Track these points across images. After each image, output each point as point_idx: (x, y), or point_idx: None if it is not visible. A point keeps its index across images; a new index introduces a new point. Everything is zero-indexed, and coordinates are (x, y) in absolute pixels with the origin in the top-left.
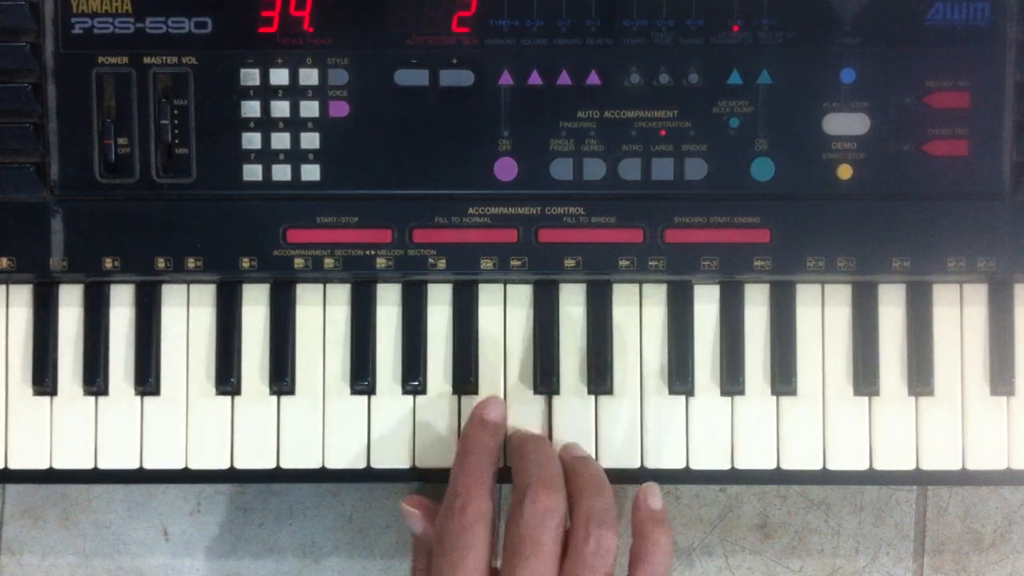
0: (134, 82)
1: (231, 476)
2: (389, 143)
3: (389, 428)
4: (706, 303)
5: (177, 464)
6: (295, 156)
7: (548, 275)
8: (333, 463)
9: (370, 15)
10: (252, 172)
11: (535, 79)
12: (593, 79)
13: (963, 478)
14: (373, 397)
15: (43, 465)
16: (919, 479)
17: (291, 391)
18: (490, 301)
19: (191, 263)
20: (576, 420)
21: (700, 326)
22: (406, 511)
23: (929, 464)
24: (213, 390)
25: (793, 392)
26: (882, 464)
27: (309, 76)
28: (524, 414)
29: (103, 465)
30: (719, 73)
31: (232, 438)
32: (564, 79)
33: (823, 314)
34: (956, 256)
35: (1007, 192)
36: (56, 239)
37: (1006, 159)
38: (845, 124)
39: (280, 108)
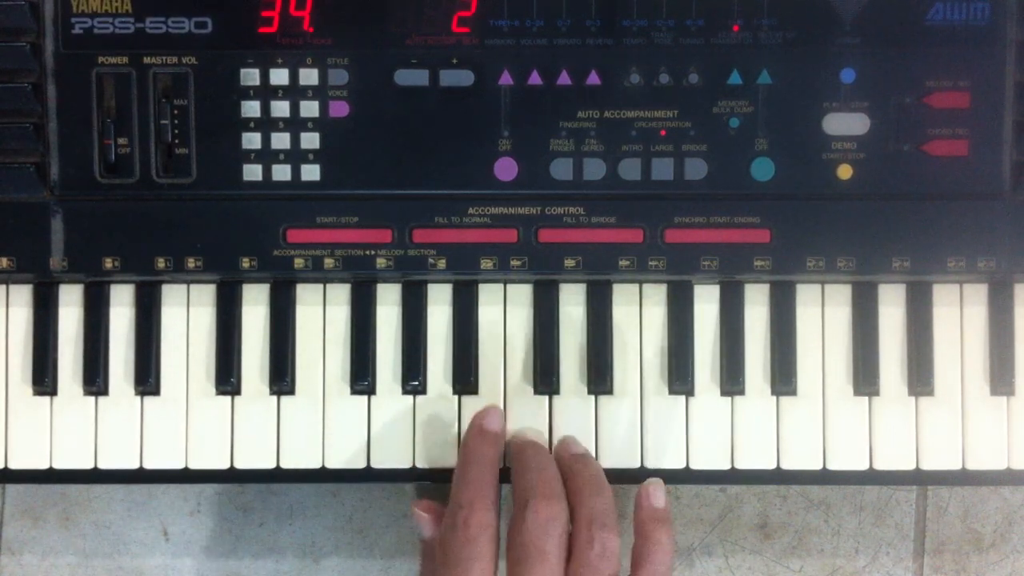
0: (134, 82)
1: (231, 476)
2: (389, 143)
3: (389, 428)
4: (706, 303)
5: (177, 464)
6: (295, 156)
7: (548, 275)
8: (333, 463)
9: (370, 15)
10: (252, 172)
11: (535, 79)
12: (593, 79)
13: (963, 478)
14: (373, 397)
15: (43, 465)
16: (919, 479)
17: (291, 391)
18: (490, 301)
19: (191, 263)
20: (576, 420)
21: (700, 326)
22: (418, 515)
23: (929, 464)
24: (213, 390)
25: (793, 392)
26: (882, 464)
27: (309, 76)
28: (524, 414)
29: (103, 465)
30: (719, 73)
31: (232, 438)
32: (564, 79)
33: (823, 314)
34: (956, 256)
35: (1007, 192)
36: (56, 239)
37: (1006, 159)
38: (845, 124)
39: (280, 108)
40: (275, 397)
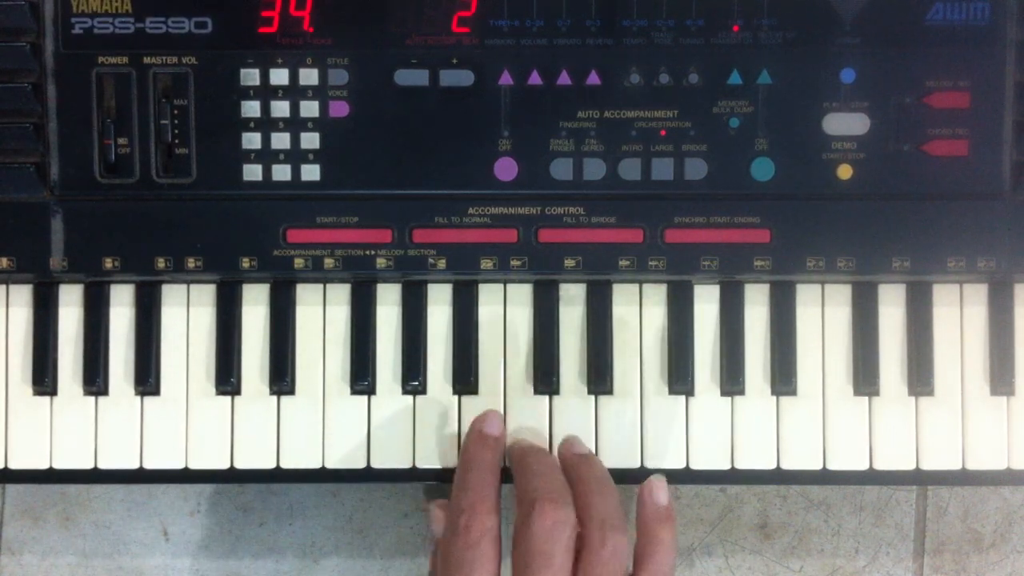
0: (134, 82)
1: (231, 476)
2: (389, 143)
3: (389, 428)
4: (706, 303)
5: (177, 464)
6: (295, 156)
7: (548, 275)
8: (333, 463)
9: (370, 15)
10: (252, 172)
11: (535, 79)
12: (593, 79)
13: (963, 478)
14: (373, 397)
15: (43, 465)
16: (919, 479)
17: (291, 391)
18: (490, 301)
19: (191, 263)
20: (576, 420)
21: (700, 326)
22: (434, 514)
23: (929, 464)
24: (213, 390)
25: (793, 392)
26: (882, 464)
27: (309, 76)
28: (524, 414)
29: (103, 465)
30: (719, 73)
31: (232, 438)
32: (564, 79)
33: (823, 314)
34: (956, 256)
35: (1007, 192)
36: (56, 239)
37: (1006, 159)
38: (845, 124)
39: (280, 108)
40: (275, 397)
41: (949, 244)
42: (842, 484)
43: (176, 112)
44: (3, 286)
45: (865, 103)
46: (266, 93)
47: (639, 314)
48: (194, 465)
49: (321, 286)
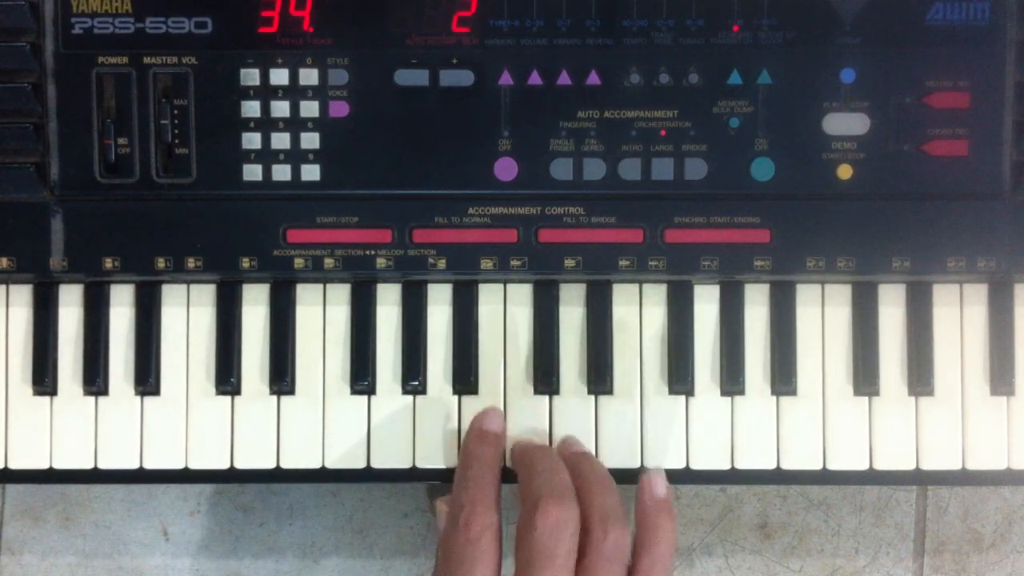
0: (134, 82)
1: (231, 476)
2: (389, 143)
3: (389, 428)
4: (706, 303)
5: (177, 464)
6: (295, 156)
7: (548, 275)
8: (333, 463)
9: (370, 15)
10: (252, 172)
11: (535, 79)
12: (593, 79)
13: (963, 478)
14: (373, 397)
15: (43, 465)
16: (919, 479)
17: (291, 391)
18: (490, 301)
19: (191, 263)
20: (576, 420)
21: (700, 326)
22: (440, 510)
23: (929, 464)
24: (213, 390)
25: (793, 392)
26: (882, 464)
27: (309, 76)
28: (524, 414)
29: (103, 465)
30: (719, 73)
31: (232, 438)
32: (564, 79)
33: (823, 314)
34: (956, 256)
35: (1007, 192)
36: (56, 239)
37: (1006, 159)
38: (845, 124)
39: (280, 108)
40: (275, 397)
41: (949, 244)
42: (842, 484)
43: (176, 112)
44: (3, 286)
45: (865, 103)
46: (266, 93)
47: (639, 314)
48: (194, 465)
49: (321, 286)
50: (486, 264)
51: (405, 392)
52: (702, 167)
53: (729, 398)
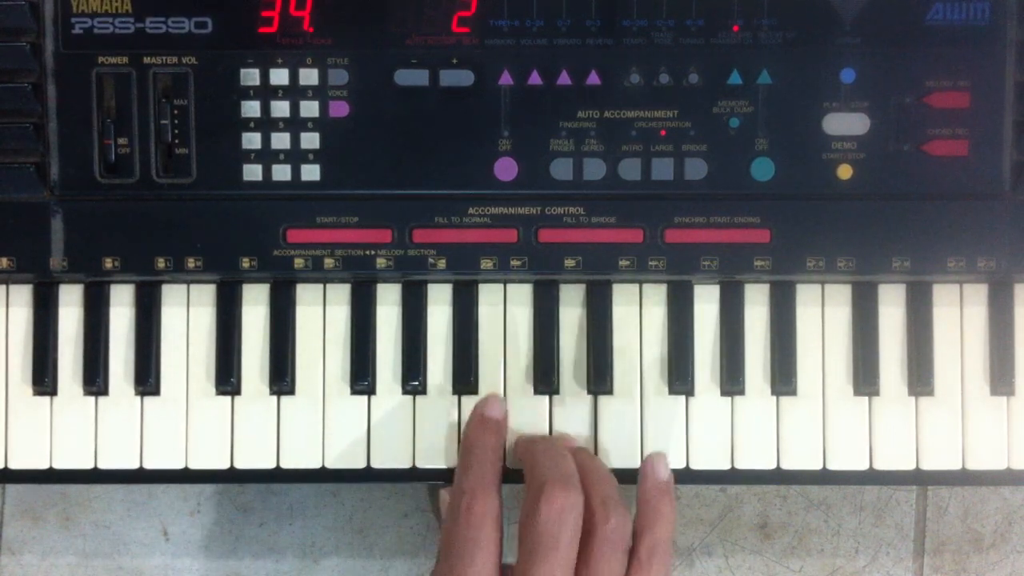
0: (134, 82)
1: (231, 476)
2: (389, 143)
3: (389, 428)
4: (706, 303)
5: (177, 464)
6: (295, 156)
7: (548, 275)
8: (333, 463)
9: (370, 15)
10: (252, 172)
11: (535, 79)
12: (593, 79)
13: (963, 478)
14: (373, 397)
15: (43, 465)
16: (919, 479)
17: (291, 391)
18: (490, 301)
19: (191, 263)
20: (576, 420)
21: (700, 326)
22: (443, 499)
23: (929, 464)
24: (213, 390)
25: (793, 392)
26: (882, 464)
27: (309, 76)
28: (524, 414)
29: (103, 465)
30: (719, 73)
31: (232, 438)
32: (564, 79)
33: (823, 314)
34: (956, 256)
35: (1007, 192)
36: (56, 239)
37: (1006, 159)
38: (845, 124)
39: (280, 108)
40: (275, 397)
41: (949, 244)
42: (842, 484)
43: (176, 112)
44: (3, 286)
45: (865, 103)
46: (266, 93)
47: (639, 314)
48: (194, 465)
49: (321, 286)
50: (486, 264)
51: (405, 392)
52: (702, 167)
53: (729, 398)
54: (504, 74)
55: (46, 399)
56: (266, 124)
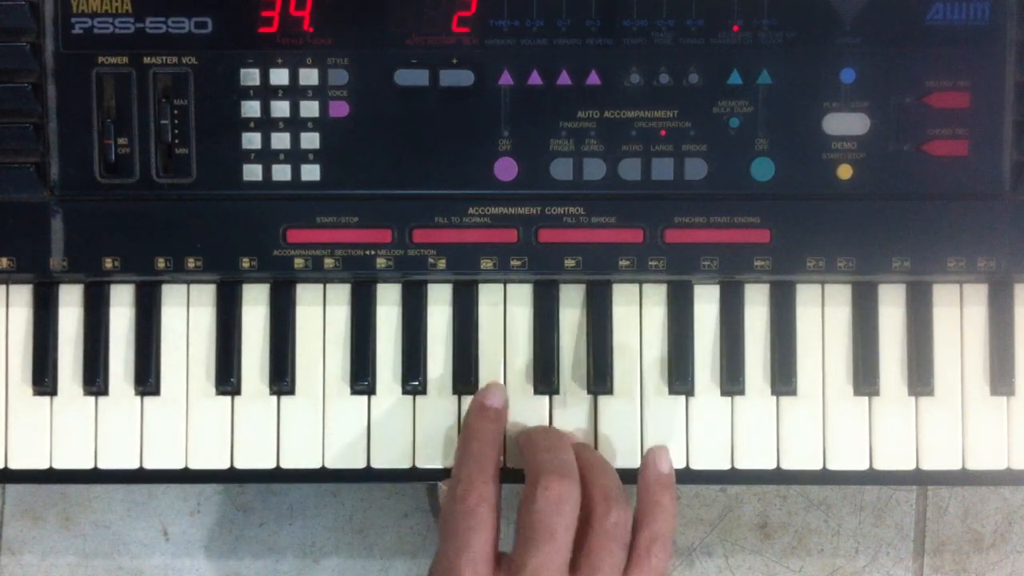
0: (134, 82)
1: (231, 476)
2: (389, 143)
3: (389, 428)
4: (706, 303)
5: (177, 464)
6: (295, 156)
7: (548, 275)
8: (333, 463)
9: (370, 15)
10: (252, 172)
11: (535, 79)
12: (593, 79)
13: (963, 478)
14: (373, 397)
15: (43, 465)
16: (919, 479)
17: (291, 391)
18: (490, 301)
19: (191, 263)
20: (576, 420)
21: (700, 326)
22: (442, 491)
23: (929, 464)
24: (213, 390)
25: (793, 392)
26: (882, 464)
27: (309, 76)
28: (524, 414)
29: (103, 465)
30: (719, 73)
31: (232, 438)
32: (564, 79)
33: (823, 314)
34: (956, 256)
35: (1007, 192)
36: (56, 239)
37: (1006, 159)
38: (845, 124)
39: (280, 108)
40: (275, 397)
41: (949, 244)
42: (842, 484)
43: (176, 112)
44: (3, 286)
45: (865, 103)
46: (266, 93)
47: (639, 314)
48: (194, 465)
49: (321, 286)
50: (486, 264)
51: (405, 392)
52: (702, 167)
53: (729, 398)
54: (504, 74)
55: (46, 399)
56: (266, 124)
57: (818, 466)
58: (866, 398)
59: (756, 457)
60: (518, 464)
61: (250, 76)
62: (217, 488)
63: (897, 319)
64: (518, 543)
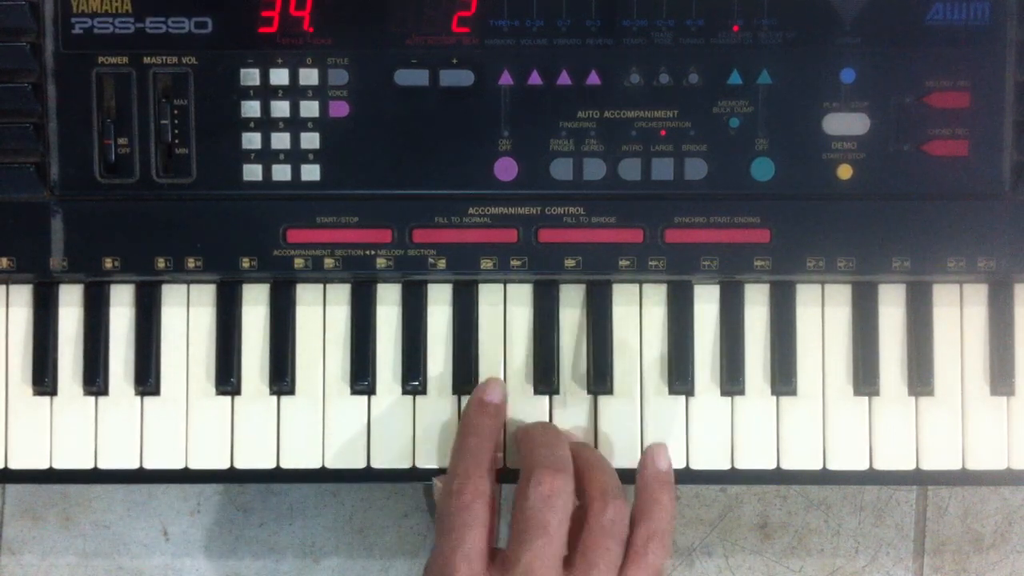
0: (134, 82)
1: (231, 476)
2: (389, 143)
3: (389, 428)
4: (706, 303)
5: (177, 464)
6: (295, 156)
7: (548, 275)
8: (333, 463)
9: (370, 15)
10: (252, 172)
11: (535, 79)
12: (593, 79)
13: (963, 478)
14: (373, 397)
15: (43, 465)
16: (919, 479)
17: (291, 391)
18: (490, 301)
19: (191, 263)
20: (576, 420)
21: (700, 326)
22: (436, 487)
23: (929, 464)
24: (213, 390)
25: (793, 392)
26: (882, 464)
27: (309, 76)
28: (524, 414)
29: (103, 465)
30: (719, 73)
31: (232, 438)
32: (564, 79)
33: (823, 314)
34: (956, 256)
35: (1007, 192)
36: (56, 239)
37: (1006, 159)
38: (845, 124)
39: (280, 108)
40: (275, 397)
41: (949, 244)
42: (842, 484)
43: (176, 112)
44: (3, 286)
45: (865, 103)
46: (266, 93)
47: (639, 314)
48: (194, 465)
49: (321, 286)
50: (486, 264)
51: (405, 392)
52: (702, 167)
53: (729, 398)
54: (504, 74)
55: (46, 399)
56: (266, 124)
57: (818, 466)
58: (866, 398)
59: (756, 457)
60: (518, 464)
61: (250, 76)
62: (217, 488)
63: (897, 319)
64: (511, 538)
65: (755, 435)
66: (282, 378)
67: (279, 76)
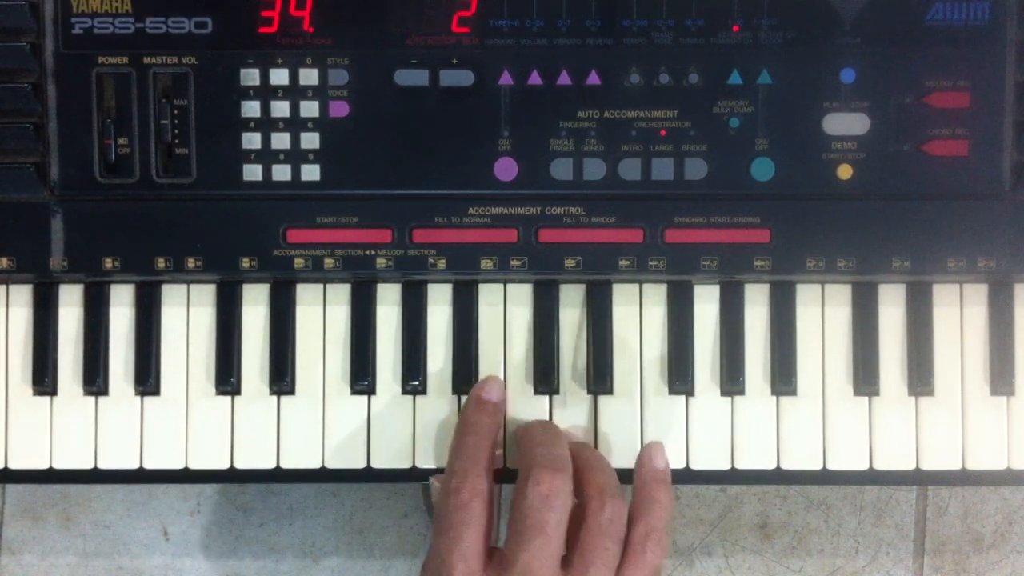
0: (134, 82)
1: (231, 476)
2: (389, 143)
3: (389, 428)
4: (706, 303)
5: (177, 464)
6: (295, 156)
7: (548, 275)
8: (333, 463)
9: (370, 15)
10: (252, 172)
11: (535, 79)
12: (593, 79)
13: (963, 478)
14: (373, 397)
15: (43, 465)
16: (919, 479)
17: (291, 391)
18: (490, 301)
19: (191, 263)
20: (576, 420)
21: (700, 326)
22: (434, 486)
23: (929, 464)
24: (213, 390)
25: (793, 392)
26: (882, 464)
27: (309, 76)
28: (524, 414)
29: (103, 465)
30: (719, 73)
31: (232, 438)
32: (564, 79)
33: (823, 314)
34: (956, 256)
35: (1007, 192)
36: (56, 239)
37: (1006, 159)
38: (845, 124)
39: (280, 108)
40: (275, 397)
41: (949, 244)
42: (842, 484)
43: (176, 112)
44: (3, 286)
45: (865, 103)
46: (266, 93)
47: (639, 314)
48: (194, 465)
49: (321, 286)
50: (486, 264)
51: (405, 392)
52: (702, 167)
53: (729, 398)
54: (504, 74)
55: (46, 399)
56: (266, 124)
57: (818, 466)
58: (866, 398)
59: (756, 457)
60: (518, 463)
61: (250, 76)
62: (217, 488)
63: (897, 319)
64: (509, 537)
65: (755, 435)
66: (282, 378)
67: (279, 76)
